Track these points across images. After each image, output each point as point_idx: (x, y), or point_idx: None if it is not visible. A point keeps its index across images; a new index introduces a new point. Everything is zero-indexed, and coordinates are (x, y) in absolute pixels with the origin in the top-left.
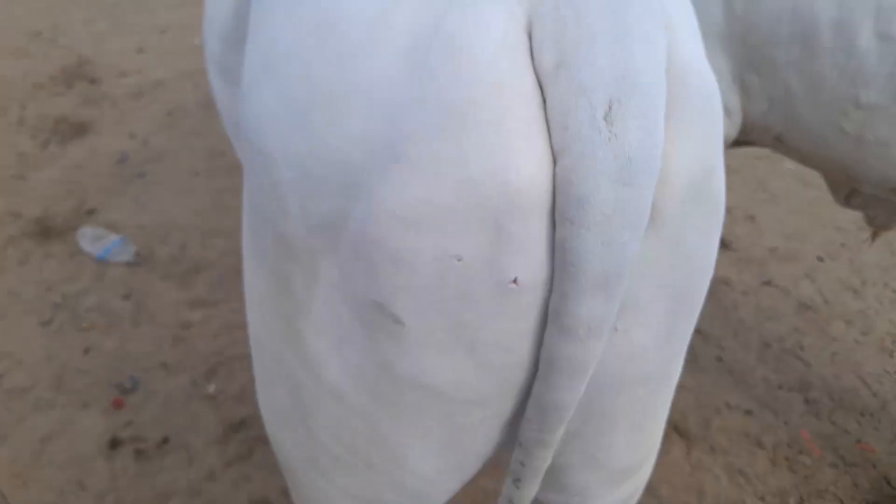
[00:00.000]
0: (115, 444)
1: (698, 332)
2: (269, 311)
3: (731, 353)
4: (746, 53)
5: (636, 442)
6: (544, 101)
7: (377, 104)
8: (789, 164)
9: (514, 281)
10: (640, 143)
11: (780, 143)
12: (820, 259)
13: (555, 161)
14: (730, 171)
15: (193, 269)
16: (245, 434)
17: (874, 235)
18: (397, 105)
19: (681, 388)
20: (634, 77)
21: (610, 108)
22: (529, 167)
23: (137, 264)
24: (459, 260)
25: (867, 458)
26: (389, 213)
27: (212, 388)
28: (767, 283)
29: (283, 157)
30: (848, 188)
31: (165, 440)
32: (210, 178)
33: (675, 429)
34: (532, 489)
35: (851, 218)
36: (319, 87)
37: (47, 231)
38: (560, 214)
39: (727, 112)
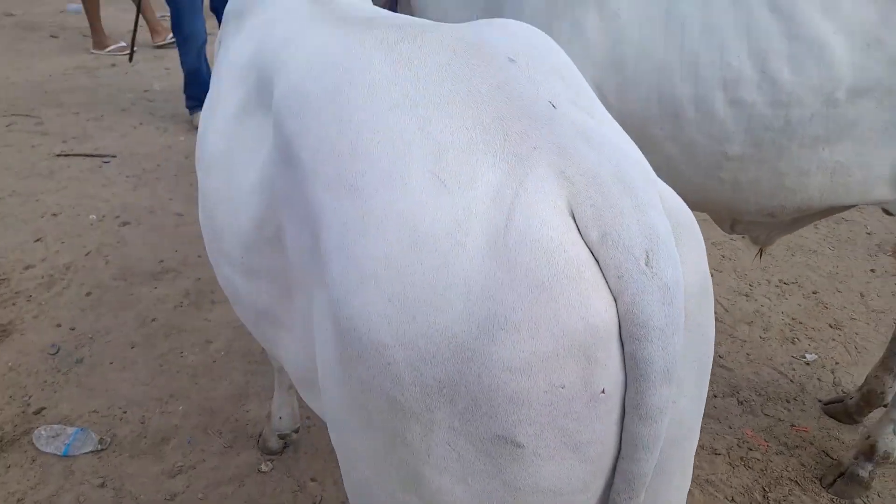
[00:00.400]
0: None
1: None
2: (382, 463)
3: None
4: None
5: (683, 483)
6: (596, 261)
7: (475, 290)
8: None
9: (603, 391)
10: (671, 273)
11: None
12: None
13: (615, 299)
14: None
15: (161, 439)
16: None
17: (760, 252)
18: (493, 288)
19: None
20: (656, 230)
21: (647, 256)
22: (603, 310)
23: (103, 450)
24: (563, 387)
25: (804, 438)
26: (503, 366)
27: None
28: None
29: (395, 342)
30: (731, 220)
31: None
32: (149, 347)
33: None
34: None
35: (722, 233)
36: (422, 287)
37: None
38: (627, 335)
39: None
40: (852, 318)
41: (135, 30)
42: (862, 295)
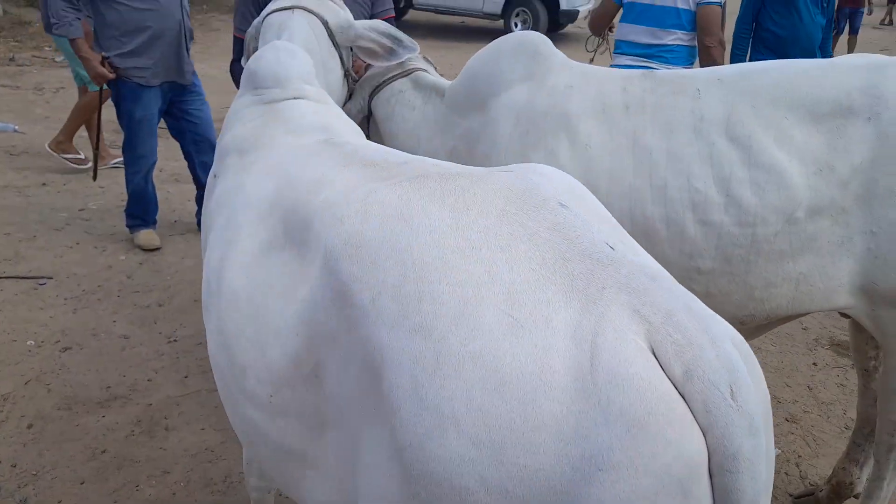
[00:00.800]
0: None
1: None
2: None
3: None
4: None
5: None
6: (681, 395)
7: (566, 430)
8: None
9: None
10: (753, 406)
11: None
12: None
13: (704, 433)
14: None
15: None
16: None
17: None
18: (586, 427)
19: None
20: (735, 365)
21: (732, 391)
22: (697, 443)
23: None
24: None
25: None
26: None
27: None
28: None
29: (480, 486)
30: None
31: None
32: (100, 482)
33: None
34: None
35: None
36: (510, 429)
37: None
38: (717, 467)
39: None
40: (805, 411)
41: (96, 147)
42: (809, 388)
